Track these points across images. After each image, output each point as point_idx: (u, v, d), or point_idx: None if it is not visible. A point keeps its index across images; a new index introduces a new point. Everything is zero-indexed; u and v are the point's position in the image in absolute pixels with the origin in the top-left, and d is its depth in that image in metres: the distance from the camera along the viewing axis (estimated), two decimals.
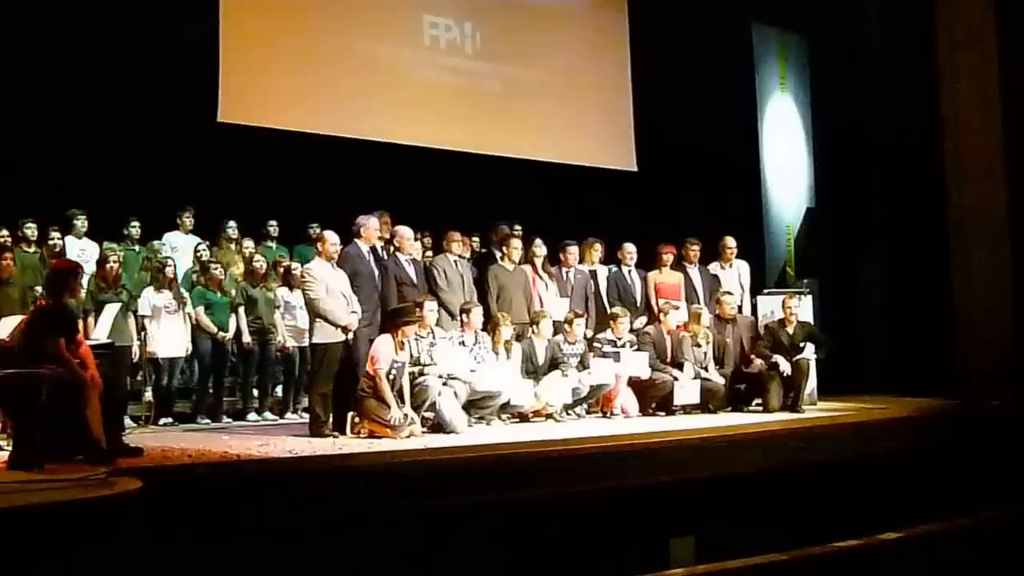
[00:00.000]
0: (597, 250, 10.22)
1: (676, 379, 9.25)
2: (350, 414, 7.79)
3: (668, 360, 9.44)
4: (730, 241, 10.50)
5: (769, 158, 12.97)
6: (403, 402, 7.67)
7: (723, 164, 12.77)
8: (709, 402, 9.38)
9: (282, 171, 10.97)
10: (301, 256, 10.18)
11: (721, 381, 9.47)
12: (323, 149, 10.99)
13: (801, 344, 9.64)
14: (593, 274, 10.06)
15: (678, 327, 9.59)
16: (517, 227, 10.85)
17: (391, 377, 7.60)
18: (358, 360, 7.96)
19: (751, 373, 9.63)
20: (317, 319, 7.81)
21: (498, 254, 9.55)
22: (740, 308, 10.20)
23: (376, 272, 8.31)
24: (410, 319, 7.75)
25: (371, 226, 8.31)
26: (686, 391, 9.25)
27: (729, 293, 9.96)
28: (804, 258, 10.04)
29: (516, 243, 9.45)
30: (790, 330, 9.69)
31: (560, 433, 7.86)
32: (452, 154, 11.62)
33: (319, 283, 7.77)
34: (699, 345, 9.55)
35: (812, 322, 9.97)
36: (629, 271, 10.19)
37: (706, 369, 9.51)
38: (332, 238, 7.96)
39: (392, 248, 8.76)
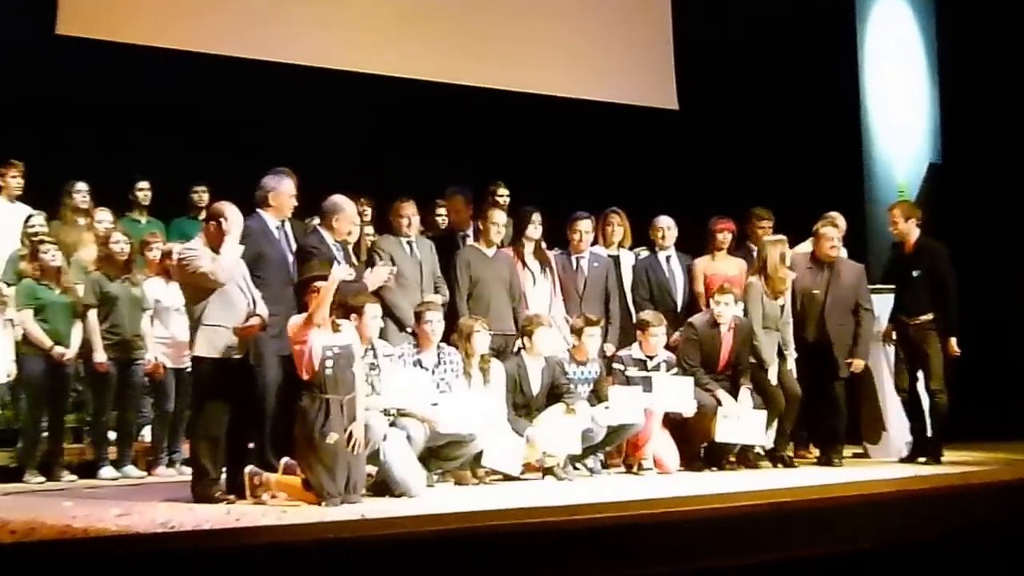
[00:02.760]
0: (620, 225, 10.24)
1: (720, 403, 9.26)
2: (248, 469, 7.68)
3: (720, 367, 9.44)
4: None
5: (874, 94, 12.92)
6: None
7: (804, 103, 12.78)
8: (770, 411, 9.42)
9: (154, 110, 10.93)
10: (182, 233, 10.08)
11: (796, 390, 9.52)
12: (214, 78, 10.96)
13: (916, 274, 9.72)
14: (615, 261, 10.09)
15: (733, 327, 9.54)
16: (502, 192, 10.79)
17: (328, 370, 7.48)
18: (264, 386, 7.88)
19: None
20: (201, 325, 7.71)
21: (469, 232, 9.55)
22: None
23: (289, 257, 8.23)
24: (319, 274, 7.69)
25: (283, 190, 8.24)
26: (732, 427, 9.25)
27: (834, 225, 9.94)
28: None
29: (497, 215, 9.45)
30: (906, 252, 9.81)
31: (564, 496, 7.80)
32: (404, 83, 11.67)
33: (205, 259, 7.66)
34: (777, 297, 9.58)
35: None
36: (668, 257, 10.21)
37: (782, 355, 9.58)
38: (230, 211, 7.82)
39: (312, 225, 8.74)
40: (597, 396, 9.09)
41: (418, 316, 8.59)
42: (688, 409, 9.19)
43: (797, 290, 9.74)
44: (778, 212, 10.53)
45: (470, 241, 9.85)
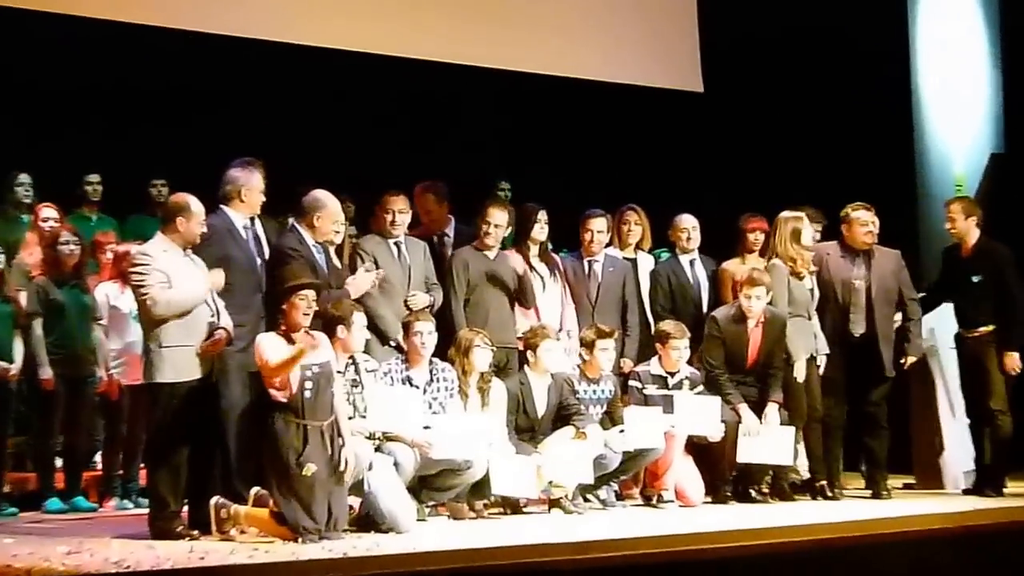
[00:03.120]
0: (639, 224, 10.25)
1: (739, 420, 9.27)
2: (213, 501, 7.65)
3: (750, 364, 9.45)
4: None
5: (928, 76, 12.99)
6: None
7: (849, 86, 12.86)
8: (793, 418, 9.44)
9: (107, 92, 10.98)
10: (138, 233, 9.93)
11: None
12: (175, 56, 11.00)
13: (976, 279, 9.74)
14: (633, 264, 10.12)
15: (762, 322, 9.53)
16: (503, 185, 10.89)
17: (307, 392, 7.47)
18: (230, 406, 7.87)
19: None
20: (160, 348, 7.66)
21: (448, 233, 9.64)
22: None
23: (258, 260, 8.22)
24: (301, 283, 7.64)
25: (254, 184, 8.24)
26: (754, 446, 9.26)
27: (867, 208, 9.91)
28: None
29: (498, 214, 9.42)
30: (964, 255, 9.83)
31: (573, 532, 7.78)
32: (393, 63, 11.74)
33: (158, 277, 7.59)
34: (801, 277, 9.58)
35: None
36: (691, 261, 10.22)
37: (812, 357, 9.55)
38: (195, 205, 7.82)
39: (290, 224, 8.69)
40: (611, 418, 9.11)
41: (407, 327, 8.59)
42: (715, 432, 9.21)
43: (834, 281, 9.76)
44: (826, 209, 10.51)
45: (449, 243, 9.79)
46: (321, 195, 8.57)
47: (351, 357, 8.15)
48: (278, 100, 11.60)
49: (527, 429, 8.93)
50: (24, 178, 10.36)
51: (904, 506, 9.21)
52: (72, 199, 10.61)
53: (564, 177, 11.66)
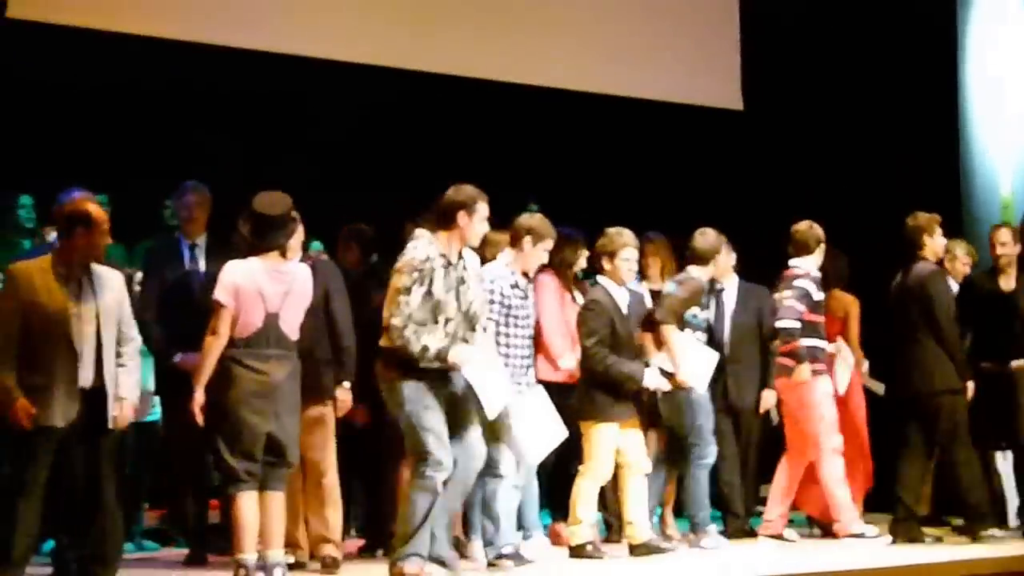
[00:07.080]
0: (654, 255, 10.22)
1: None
2: None
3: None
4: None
5: (973, 91, 13.31)
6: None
7: (891, 104, 13.19)
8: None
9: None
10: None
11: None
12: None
13: None
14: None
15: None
16: (532, 207, 10.59)
17: None
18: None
19: None
20: None
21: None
22: None
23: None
24: None
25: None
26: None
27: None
28: None
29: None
30: (1007, 284, 9.97)
31: None
32: (417, 79, 12.06)
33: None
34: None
35: None
36: (720, 290, 10.31)
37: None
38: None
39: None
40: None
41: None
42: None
43: None
44: (855, 229, 10.92)
45: None
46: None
47: (462, 250, 7.84)
48: (304, 117, 11.98)
49: (624, 346, 8.78)
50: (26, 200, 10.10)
51: (953, 551, 9.27)
52: None
53: (595, 198, 11.91)
